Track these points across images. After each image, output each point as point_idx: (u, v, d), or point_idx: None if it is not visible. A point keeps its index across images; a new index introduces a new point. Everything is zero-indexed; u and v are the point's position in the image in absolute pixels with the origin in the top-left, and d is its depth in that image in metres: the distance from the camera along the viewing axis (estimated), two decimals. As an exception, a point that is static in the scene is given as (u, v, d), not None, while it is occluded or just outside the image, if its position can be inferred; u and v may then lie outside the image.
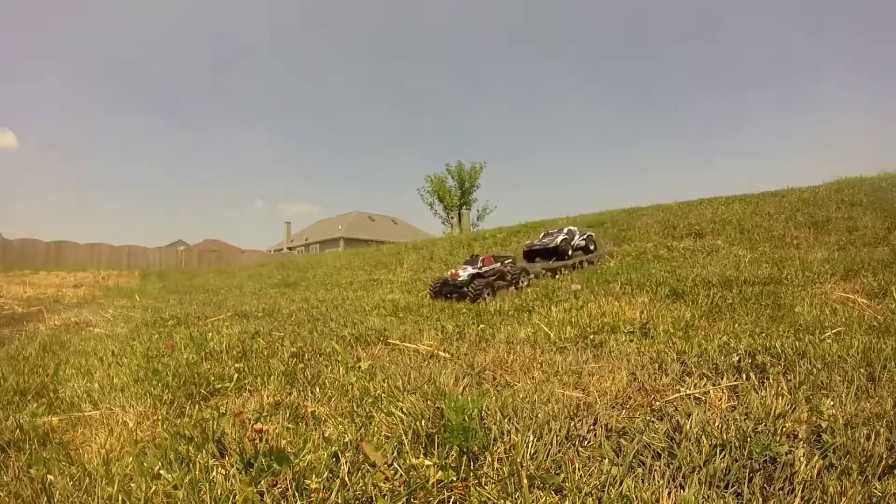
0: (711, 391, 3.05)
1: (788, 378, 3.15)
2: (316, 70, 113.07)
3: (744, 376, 3.26)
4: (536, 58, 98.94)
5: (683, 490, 1.74)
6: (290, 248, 48.74)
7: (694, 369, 3.48)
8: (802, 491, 1.81)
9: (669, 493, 1.69)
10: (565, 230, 11.82)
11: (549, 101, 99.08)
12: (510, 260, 9.24)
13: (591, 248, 12.11)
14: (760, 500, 1.76)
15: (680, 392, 3.04)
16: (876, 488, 1.80)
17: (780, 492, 1.82)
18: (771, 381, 3.13)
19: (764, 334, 4.42)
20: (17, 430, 2.78)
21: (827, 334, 4.26)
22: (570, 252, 10.94)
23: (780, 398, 2.76)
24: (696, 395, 2.99)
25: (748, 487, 1.83)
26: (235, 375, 3.69)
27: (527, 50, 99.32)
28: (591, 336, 4.91)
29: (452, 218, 35.13)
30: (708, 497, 1.73)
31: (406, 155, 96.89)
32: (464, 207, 36.28)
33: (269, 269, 23.35)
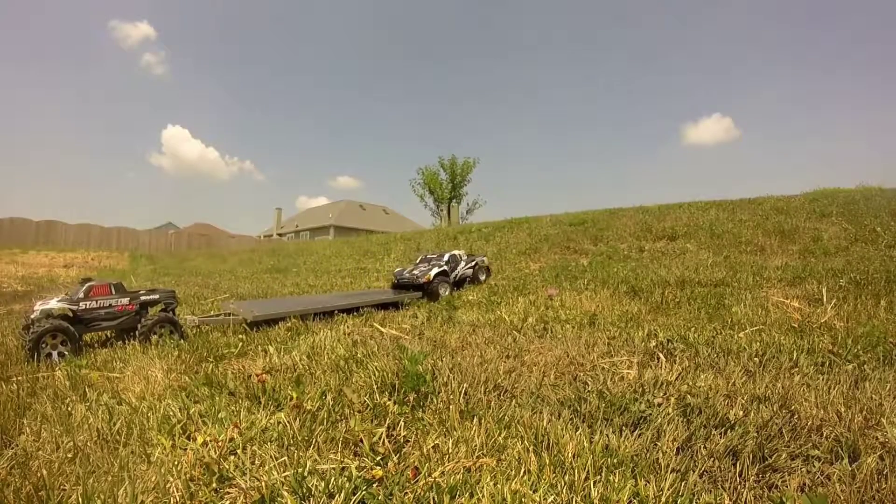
0: (625, 366, 3.84)
1: (692, 360, 3.94)
2: (314, 65, 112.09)
3: (655, 357, 4.05)
4: (535, 54, 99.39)
5: (559, 418, 2.51)
6: (279, 235, 48.84)
7: (616, 351, 4.26)
8: (650, 430, 2.58)
9: (550, 421, 2.46)
10: (447, 256, 9.54)
11: (544, 100, 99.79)
12: (167, 294, 5.89)
13: (482, 277, 10.17)
14: (620, 431, 2.54)
15: (597, 365, 3.82)
16: (700, 429, 2.58)
17: (636, 429, 2.59)
18: (676, 361, 3.93)
19: (689, 327, 5.21)
20: (67, 381, 3.47)
21: (746, 330, 5.04)
22: (444, 290, 8.75)
23: (672, 374, 3.55)
24: (609, 368, 3.77)
25: (612, 423, 2.60)
26: (239, 344, 4.39)
27: (528, 48, 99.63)
28: (547, 324, 5.70)
29: (442, 210, 35.56)
30: (577, 426, 2.49)
31: (398, 147, 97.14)
32: (454, 201, 36.77)
33: (260, 255, 23.85)
